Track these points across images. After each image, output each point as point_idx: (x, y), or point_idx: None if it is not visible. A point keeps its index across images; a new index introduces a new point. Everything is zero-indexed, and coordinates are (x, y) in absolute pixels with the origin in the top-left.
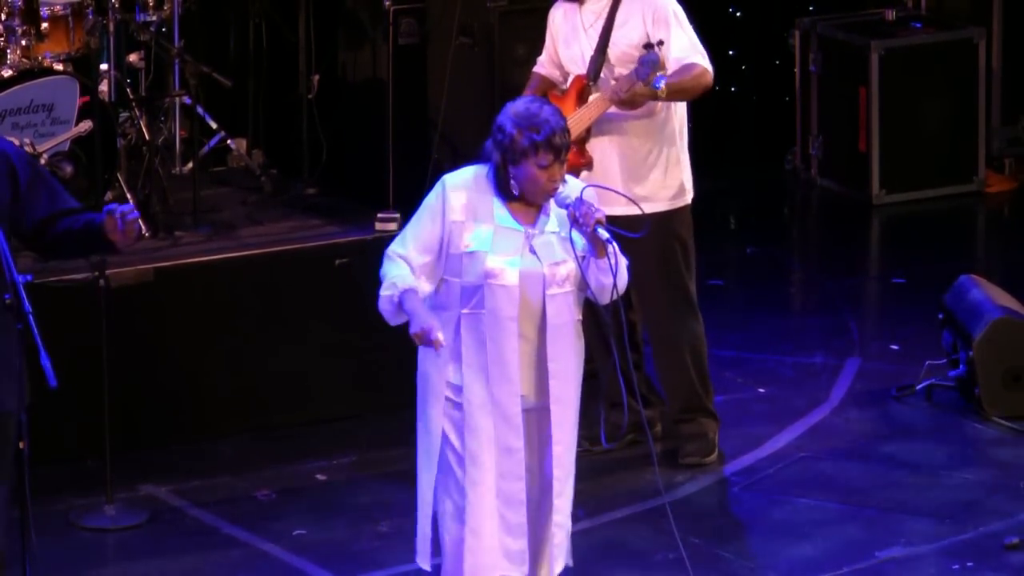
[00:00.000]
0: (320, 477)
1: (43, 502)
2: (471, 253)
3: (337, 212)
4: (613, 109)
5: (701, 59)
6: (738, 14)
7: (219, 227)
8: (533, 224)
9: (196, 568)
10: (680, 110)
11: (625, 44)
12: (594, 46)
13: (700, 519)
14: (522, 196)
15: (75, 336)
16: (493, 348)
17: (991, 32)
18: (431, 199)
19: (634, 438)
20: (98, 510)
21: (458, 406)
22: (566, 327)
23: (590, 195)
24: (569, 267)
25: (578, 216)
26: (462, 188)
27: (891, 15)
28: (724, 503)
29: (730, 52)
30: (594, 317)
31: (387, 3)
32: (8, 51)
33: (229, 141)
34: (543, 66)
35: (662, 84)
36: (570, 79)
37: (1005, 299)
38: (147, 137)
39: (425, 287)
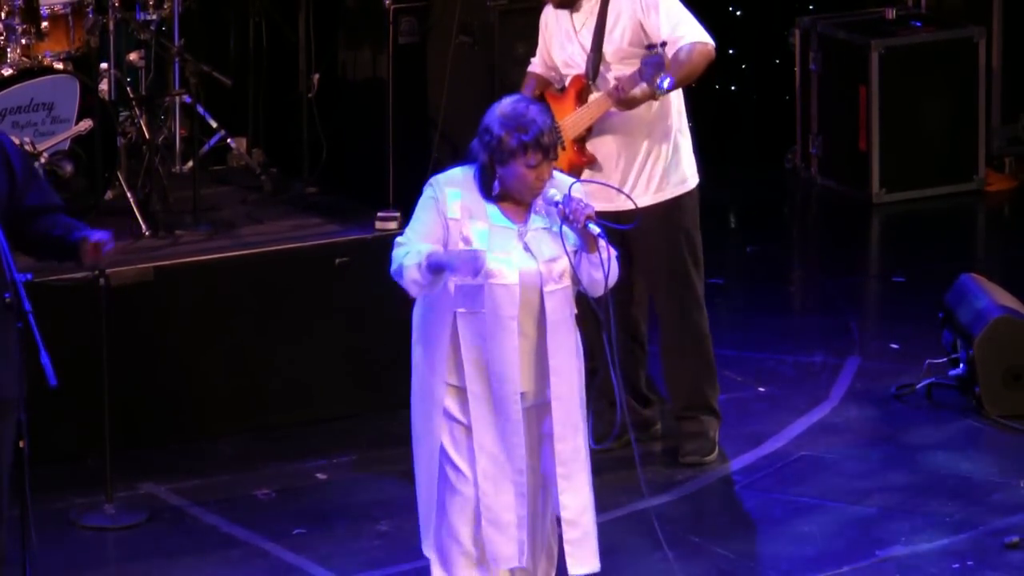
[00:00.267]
0: (320, 476)
1: (43, 501)
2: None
3: (337, 211)
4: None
5: (693, 32)
6: (738, 13)
7: (219, 226)
8: (524, 222)
9: (196, 567)
10: (677, 99)
11: (620, 40)
12: (588, 47)
13: (700, 518)
14: (508, 195)
15: (75, 335)
16: (493, 347)
17: (991, 31)
18: (426, 198)
19: (636, 436)
20: (98, 509)
21: (459, 405)
22: (564, 323)
23: (578, 191)
24: (564, 263)
25: (568, 213)
26: (456, 187)
27: (891, 14)
28: (724, 502)
29: (730, 51)
30: (595, 315)
31: (387, 2)
32: (8, 50)
33: (229, 140)
34: (537, 66)
35: (665, 84)
36: (568, 78)
37: (1005, 298)
38: (147, 136)
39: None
